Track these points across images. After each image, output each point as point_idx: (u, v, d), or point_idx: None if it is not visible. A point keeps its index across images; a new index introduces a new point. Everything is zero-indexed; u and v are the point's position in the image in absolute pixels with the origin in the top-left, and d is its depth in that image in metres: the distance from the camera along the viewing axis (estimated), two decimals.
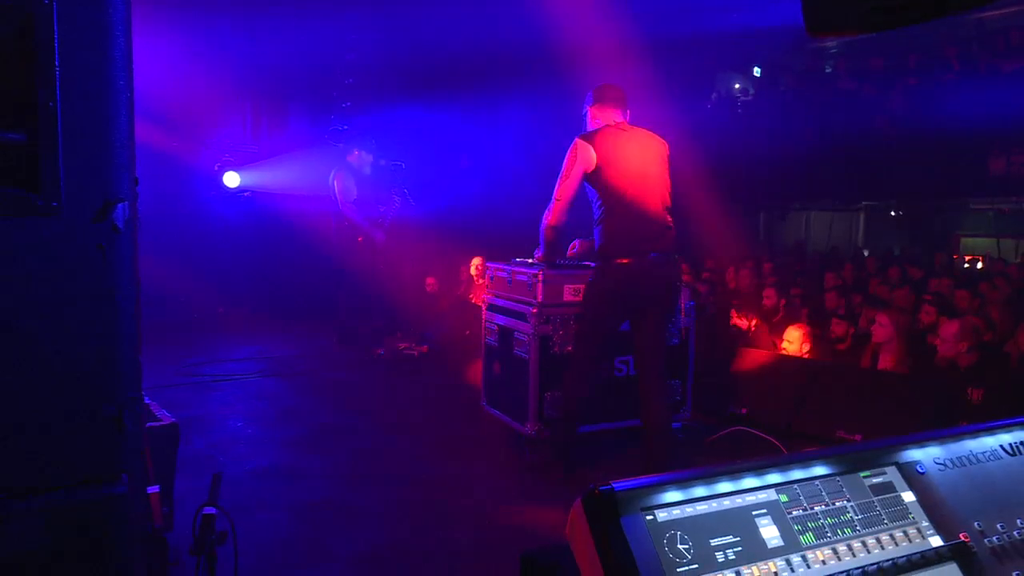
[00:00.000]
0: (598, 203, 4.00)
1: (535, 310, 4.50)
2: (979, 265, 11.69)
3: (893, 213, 14.83)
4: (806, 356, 5.80)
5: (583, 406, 4.20)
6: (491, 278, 5.20)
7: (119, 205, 1.32)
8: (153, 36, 7.55)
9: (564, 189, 3.99)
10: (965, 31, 11.80)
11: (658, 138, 4.13)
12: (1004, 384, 4.79)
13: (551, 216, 4.08)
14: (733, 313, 6.99)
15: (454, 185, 10.06)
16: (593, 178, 3.95)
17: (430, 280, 9.21)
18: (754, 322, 6.83)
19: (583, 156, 3.93)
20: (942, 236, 13.73)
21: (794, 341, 5.92)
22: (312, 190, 8.79)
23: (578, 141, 3.97)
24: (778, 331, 6.28)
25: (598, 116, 4.12)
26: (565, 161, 4.00)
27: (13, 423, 1.23)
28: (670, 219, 4.05)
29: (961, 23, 11.51)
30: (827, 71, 14.19)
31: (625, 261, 3.89)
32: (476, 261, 8.20)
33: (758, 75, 15.66)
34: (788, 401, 5.14)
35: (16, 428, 1.24)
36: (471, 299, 7.80)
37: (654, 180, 4.00)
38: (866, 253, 13.32)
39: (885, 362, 5.32)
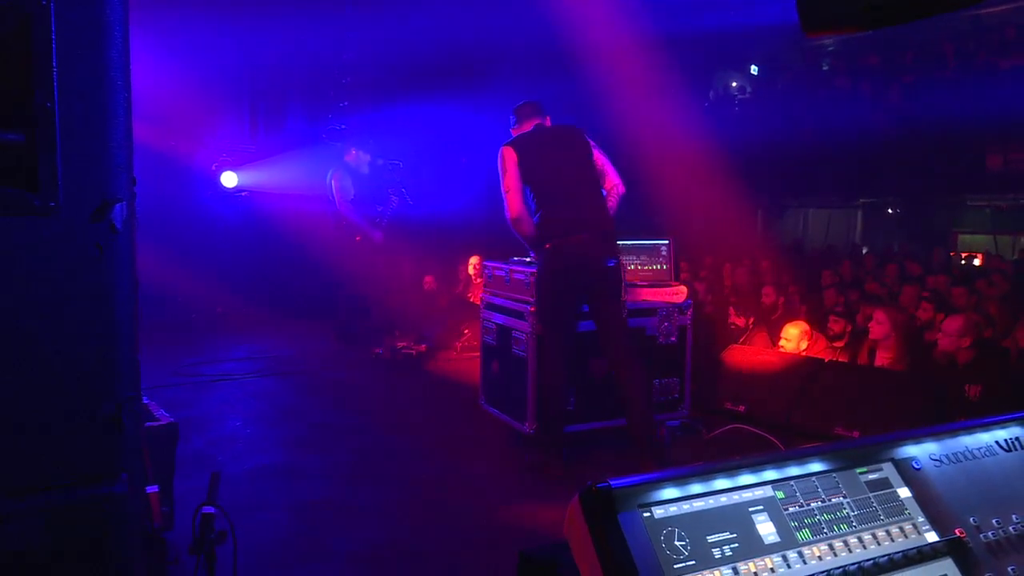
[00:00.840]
0: (530, 200, 4.28)
1: (533, 308, 4.50)
2: (976, 262, 11.71)
3: (891, 210, 14.85)
4: (804, 353, 5.80)
5: (563, 400, 4.32)
6: (489, 277, 5.21)
7: (117, 205, 1.32)
8: (151, 36, 7.54)
9: (506, 182, 4.28)
10: (962, 28, 11.81)
11: (574, 128, 4.42)
12: (1002, 381, 4.80)
13: (507, 209, 4.31)
14: (731, 311, 6.99)
15: (452, 184, 10.05)
16: (521, 177, 4.26)
17: (428, 279, 9.21)
18: (752, 320, 6.84)
19: (508, 157, 4.26)
20: (940, 233, 13.75)
21: (792, 339, 5.93)
22: (310, 190, 8.78)
23: (501, 149, 4.34)
24: (776, 329, 6.28)
25: (520, 130, 4.50)
26: (499, 172, 4.32)
27: (12, 423, 1.24)
28: (600, 199, 4.28)
29: (958, 20, 11.51)
30: (824, 69, 14.21)
31: (550, 246, 4.18)
32: (474, 260, 8.21)
33: (755, 73, 15.67)
34: (786, 398, 5.14)
35: (15, 428, 1.24)
36: (469, 298, 7.81)
37: (574, 167, 4.28)
38: (864, 250, 13.33)
39: (883, 359, 5.33)
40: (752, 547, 1.04)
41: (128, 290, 1.35)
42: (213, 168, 9.71)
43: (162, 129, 8.50)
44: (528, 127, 4.46)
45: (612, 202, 4.34)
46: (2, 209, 1.22)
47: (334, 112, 10.04)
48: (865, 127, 11.33)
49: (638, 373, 4.21)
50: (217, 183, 9.69)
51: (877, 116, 11.54)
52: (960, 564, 1.11)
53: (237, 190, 9.81)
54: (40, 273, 1.26)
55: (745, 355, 5.87)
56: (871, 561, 1.07)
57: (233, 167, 9.76)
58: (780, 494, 1.11)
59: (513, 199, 4.24)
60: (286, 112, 10.71)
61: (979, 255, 12.15)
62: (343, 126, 9.72)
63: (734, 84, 15.84)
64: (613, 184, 4.35)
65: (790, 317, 6.49)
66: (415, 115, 10.07)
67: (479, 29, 8.89)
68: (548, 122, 4.51)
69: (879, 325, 5.27)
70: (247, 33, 8.76)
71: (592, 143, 4.37)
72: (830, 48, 14.11)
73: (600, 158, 4.35)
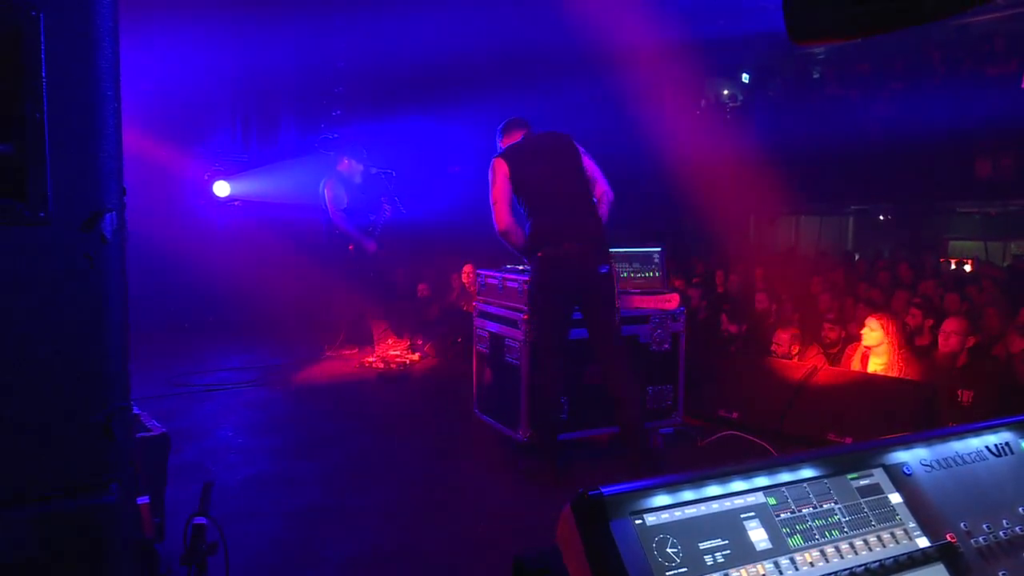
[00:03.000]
0: (522, 210, 4.30)
1: (526, 316, 4.50)
2: (967, 268, 11.77)
3: (882, 217, 14.93)
4: (796, 359, 5.82)
5: (557, 407, 4.32)
6: (482, 285, 5.21)
7: (107, 215, 1.32)
8: (143, 45, 7.55)
9: (495, 194, 4.29)
10: (950, 36, 11.91)
11: (562, 135, 4.42)
12: (994, 386, 4.82)
13: (496, 222, 4.31)
14: (723, 318, 7.01)
15: (445, 193, 10.06)
16: (512, 188, 4.27)
17: (422, 287, 9.20)
18: (744, 326, 6.85)
19: (499, 169, 4.28)
20: (931, 239, 13.83)
21: (784, 344, 5.94)
22: (302, 199, 8.78)
23: (492, 161, 4.34)
24: (768, 335, 6.30)
25: (507, 143, 4.51)
26: (489, 184, 4.32)
27: (2, 432, 1.23)
28: (591, 206, 4.29)
29: (945, 28, 11.62)
30: (815, 76, 14.29)
31: (541, 254, 4.19)
32: (468, 268, 8.20)
33: (747, 81, 15.75)
34: (779, 404, 5.15)
35: (4, 437, 1.23)
36: (463, 306, 7.81)
37: (564, 174, 4.29)
38: (856, 257, 13.39)
39: (875, 365, 5.33)
40: (744, 554, 1.04)
41: (118, 300, 1.35)
42: (206, 177, 9.70)
43: (155, 138, 8.49)
44: (517, 137, 4.47)
45: (603, 209, 4.35)
46: None
47: (327, 121, 10.05)
48: (855, 134, 11.41)
49: (631, 380, 4.21)
50: (210, 192, 9.67)
51: (867, 123, 11.61)
52: (951, 569, 1.11)
53: (230, 199, 9.79)
54: (30, 283, 1.26)
55: (739, 361, 5.88)
56: (863, 567, 1.07)
57: (226, 176, 9.75)
58: (772, 500, 1.11)
59: (501, 210, 4.25)
60: (279, 121, 10.71)
61: (969, 261, 12.22)
62: (336, 135, 9.72)
63: (725, 92, 15.92)
64: (603, 191, 4.36)
65: (782, 323, 6.51)
66: (408, 124, 10.09)
67: (471, 39, 8.92)
68: (531, 131, 4.52)
69: (872, 332, 5.28)
70: (240, 43, 8.77)
71: (582, 150, 4.38)
72: (820, 56, 14.20)
73: (590, 165, 4.36)
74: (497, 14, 8.73)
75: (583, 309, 4.27)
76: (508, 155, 4.34)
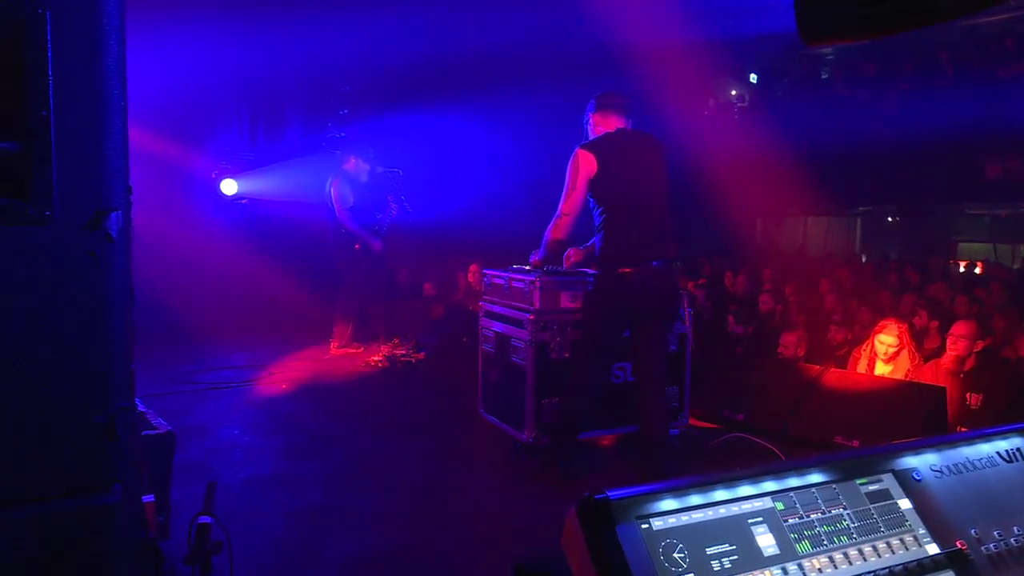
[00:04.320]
0: (599, 211, 3.97)
1: (532, 317, 4.49)
2: (977, 270, 11.71)
3: (890, 219, 14.87)
4: (803, 361, 5.79)
5: (583, 413, 4.20)
6: (488, 285, 5.19)
7: (112, 214, 1.31)
8: (150, 43, 7.56)
9: (571, 203, 3.96)
10: (960, 37, 11.85)
11: (656, 140, 4.10)
12: (1003, 390, 4.79)
13: (558, 231, 4.05)
14: (730, 319, 6.99)
15: (451, 192, 10.06)
16: (594, 186, 3.93)
17: (427, 287, 9.20)
18: (751, 328, 6.83)
19: (585, 165, 3.89)
20: (939, 241, 13.77)
21: (791, 346, 5.92)
22: (309, 197, 8.79)
23: (578, 151, 3.94)
24: (775, 336, 6.27)
25: (600, 124, 4.09)
26: (568, 173, 3.96)
27: (4, 432, 1.23)
28: (671, 224, 4.02)
29: (955, 29, 11.56)
30: (823, 77, 14.25)
31: (627, 271, 3.86)
32: (475, 268, 8.20)
33: (755, 81, 15.71)
34: (786, 407, 5.13)
35: (7, 437, 1.23)
36: (468, 306, 7.80)
37: (654, 185, 3.98)
38: (863, 258, 13.34)
39: (884, 370, 5.28)
40: (751, 559, 1.03)
41: (123, 299, 1.35)
42: (213, 176, 9.72)
43: (162, 136, 8.52)
44: (609, 126, 4.04)
45: None
46: None
47: (334, 120, 10.06)
48: (864, 135, 11.36)
49: (664, 392, 4.10)
50: (217, 191, 9.69)
51: (876, 124, 11.56)
52: None
53: (237, 198, 9.81)
54: (34, 282, 1.25)
55: (746, 363, 5.86)
56: (871, 573, 1.06)
57: (233, 175, 9.77)
58: (780, 505, 1.10)
59: (568, 222, 3.97)
60: (286, 120, 10.72)
61: (979, 263, 12.16)
62: (342, 134, 9.73)
63: (733, 92, 15.88)
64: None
65: (789, 325, 6.49)
66: (415, 123, 10.09)
67: (479, 37, 8.91)
68: (631, 123, 4.12)
69: (889, 340, 5.18)
70: (247, 41, 8.78)
71: (666, 160, 4.06)
72: (829, 56, 14.15)
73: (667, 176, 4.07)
74: (504, 13, 8.71)
75: (639, 325, 4.02)
76: (599, 149, 3.91)
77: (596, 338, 4.10)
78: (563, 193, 4.00)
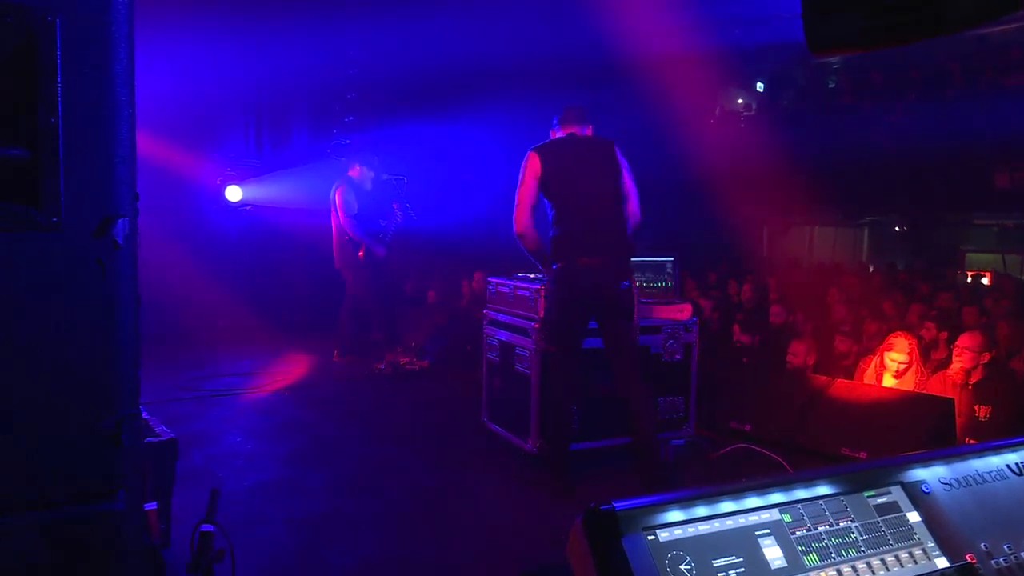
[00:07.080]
0: (549, 212, 4.19)
1: (537, 325, 4.48)
2: (984, 280, 11.66)
3: (897, 228, 14.83)
4: (810, 372, 5.76)
5: (568, 418, 4.26)
6: (492, 293, 5.19)
7: (119, 221, 1.31)
8: (158, 51, 7.60)
9: (520, 194, 4.18)
10: (967, 47, 11.84)
11: (603, 140, 4.29)
12: (1011, 401, 4.75)
13: (515, 223, 4.22)
14: (736, 328, 6.97)
15: (456, 200, 10.07)
16: (542, 185, 4.15)
17: (431, 294, 9.20)
18: (758, 337, 6.81)
19: (532, 165, 4.15)
20: (947, 251, 13.72)
21: (800, 355, 5.89)
22: (314, 204, 8.81)
23: (528, 153, 4.20)
24: (782, 346, 6.25)
25: (556, 133, 4.38)
26: (520, 171, 4.20)
27: (9, 438, 1.23)
28: (622, 222, 4.18)
29: (963, 39, 11.54)
30: (830, 86, 14.25)
31: (562, 265, 4.10)
32: (479, 276, 8.20)
33: (761, 90, 15.72)
34: (792, 417, 5.10)
35: (12, 443, 1.23)
36: (472, 313, 7.80)
37: (600, 186, 4.16)
38: (871, 268, 13.31)
39: (890, 382, 5.24)
40: (758, 572, 1.02)
41: (129, 306, 1.35)
42: (218, 182, 9.75)
43: (167, 143, 8.54)
44: (562, 133, 4.31)
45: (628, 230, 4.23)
46: (5, 224, 1.22)
47: (339, 127, 10.08)
48: (871, 145, 11.35)
49: (646, 394, 4.16)
50: (222, 197, 9.71)
51: (883, 134, 11.55)
52: None
53: (241, 204, 9.83)
54: (41, 288, 1.25)
55: (752, 373, 5.83)
56: None
57: (238, 181, 9.79)
58: (787, 517, 1.09)
59: (521, 212, 4.14)
60: (291, 127, 10.75)
61: (987, 273, 12.11)
62: (348, 141, 9.75)
63: (740, 101, 15.89)
64: (632, 212, 4.22)
65: (796, 334, 6.46)
66: (420, 131, 10.11)
67: (486, 46, 8.94)
68: (588, 131, 4.33)
69: (900, 356, 5.14)
70: (253, 48, 8.83)
71: (624, 164, 4.22)
72: (835, 66, 14.15)
73: (628, 181, 4.21)
74: (511, 22, 8.74)
75: (600, 321, 4.21)
76: (544, 151, 4.18)
77: (557, 336, 4.27)
78: (515, 202, 4.21)
